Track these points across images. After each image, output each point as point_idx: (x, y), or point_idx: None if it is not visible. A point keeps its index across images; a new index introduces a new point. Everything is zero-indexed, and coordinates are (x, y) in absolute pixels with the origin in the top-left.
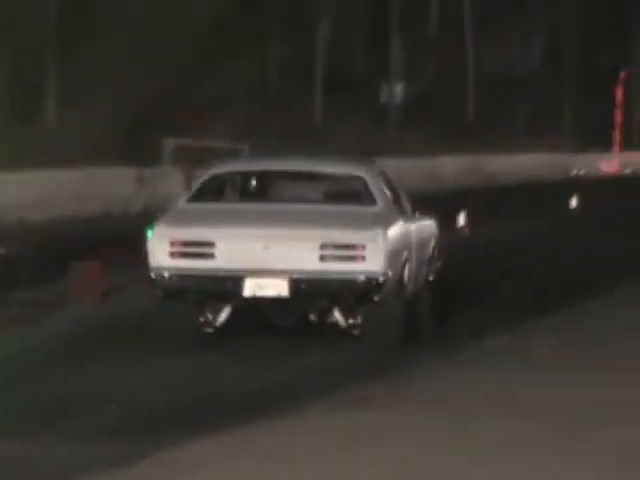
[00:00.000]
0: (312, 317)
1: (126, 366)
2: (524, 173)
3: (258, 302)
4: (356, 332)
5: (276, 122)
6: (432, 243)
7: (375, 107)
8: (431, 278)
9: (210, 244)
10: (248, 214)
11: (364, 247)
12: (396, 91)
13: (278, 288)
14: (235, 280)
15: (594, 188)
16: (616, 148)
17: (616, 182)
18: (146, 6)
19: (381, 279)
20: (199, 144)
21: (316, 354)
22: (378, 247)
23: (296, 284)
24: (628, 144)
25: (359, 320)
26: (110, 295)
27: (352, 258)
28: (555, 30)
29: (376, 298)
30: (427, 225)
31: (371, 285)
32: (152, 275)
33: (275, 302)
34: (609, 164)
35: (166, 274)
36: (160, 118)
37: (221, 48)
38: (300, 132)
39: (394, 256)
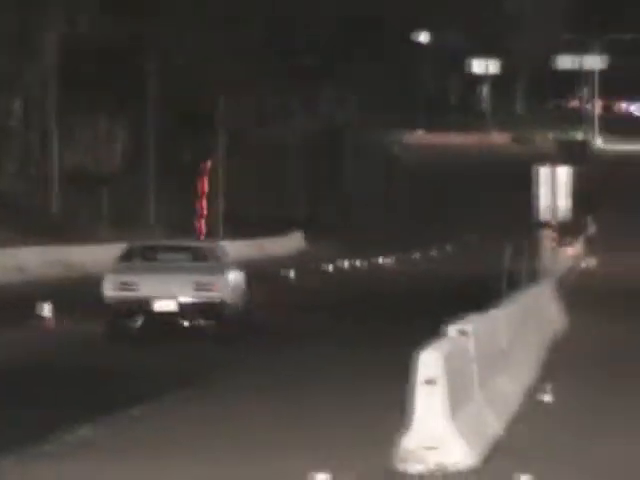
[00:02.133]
0: (185, 323)
1: None
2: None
3: (161, 315)
4: (210, 331)
5: None
6: (244, 283)
7: None
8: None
9: (135, 283)
10: (154, 267)
11: (217, 283)
12: None
13: (172, 306)
14: (149, 302)
15: None
16: (200, 238)
17: None
18: None
19: (228, 301)
20: None
21: None
22: (225, 283)
23: (182, 304)
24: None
25: (212, 323)
26: None
27: (211, 289)
28: (144, 126)
29: (225, 312)
30: (242, 273)
31: (222, 304)
32: (106, 301)
33: (170, 314)
34: None
35: (113, 301)
36: None
37: None
38: None
39: (233, 288)
